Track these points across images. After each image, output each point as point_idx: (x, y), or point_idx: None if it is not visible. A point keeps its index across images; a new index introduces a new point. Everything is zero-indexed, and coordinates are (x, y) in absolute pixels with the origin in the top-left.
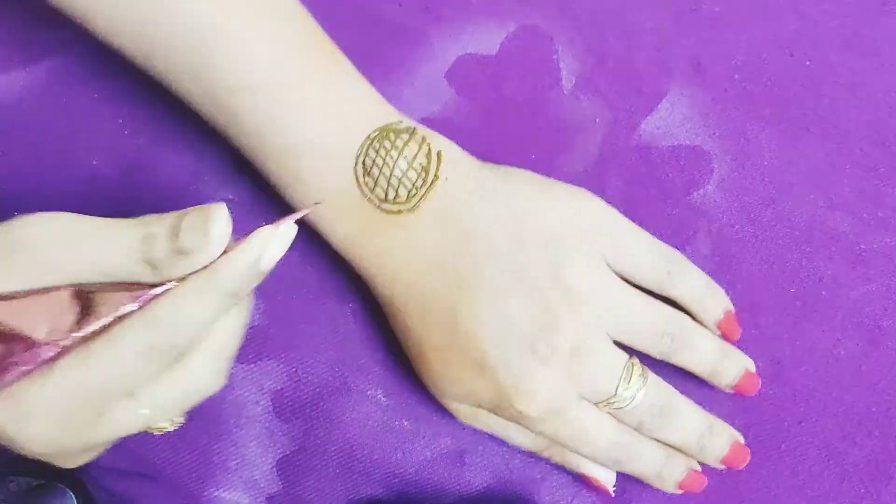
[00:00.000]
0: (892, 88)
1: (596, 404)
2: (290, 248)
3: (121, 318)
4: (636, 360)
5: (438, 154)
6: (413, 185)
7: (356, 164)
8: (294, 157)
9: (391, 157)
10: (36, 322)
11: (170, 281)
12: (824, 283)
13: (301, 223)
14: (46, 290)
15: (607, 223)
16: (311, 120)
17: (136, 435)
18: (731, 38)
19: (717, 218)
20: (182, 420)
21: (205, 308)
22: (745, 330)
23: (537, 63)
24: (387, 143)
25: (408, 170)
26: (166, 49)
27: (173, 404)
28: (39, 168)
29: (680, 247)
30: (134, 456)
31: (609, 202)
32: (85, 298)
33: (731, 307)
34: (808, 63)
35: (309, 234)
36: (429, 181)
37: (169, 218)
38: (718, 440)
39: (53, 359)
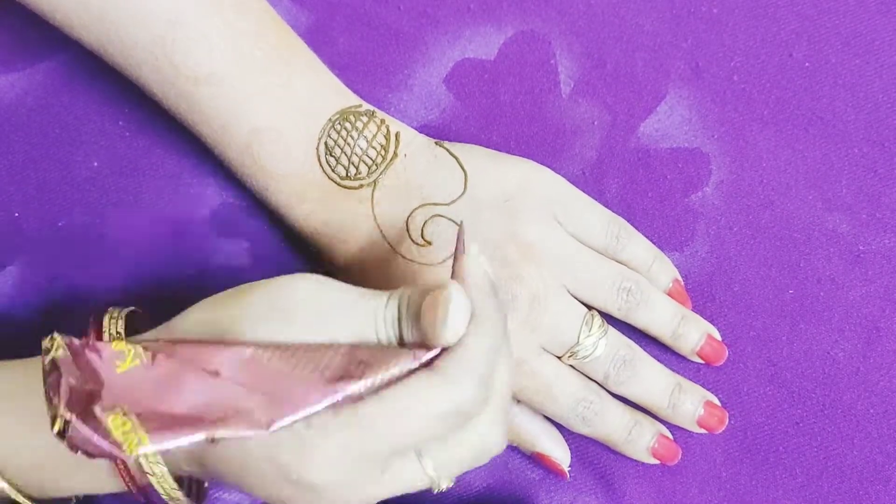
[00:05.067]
0: (891, 89)
1: (559, 358)
2: (285, 255)
3: (407, 375)
4: (595, 313)
5: (397, 135)
6: (373, 161)
7: (318, 144)
8: (256, 143)
9: (352, 138)
10: (313, 372)
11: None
12: (822, 285)
13: (264, 208)
14: (325, 344)
15: (558, 189)
16: (272, 107)
17: None
18: (729, 39)
19: (715, 220)
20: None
21: (488, 359)
22: (742, 331)
23: (536, 67)
24: (347, 125)
25: (367, 148)
26: (123, 42)
27: (459, 465)
28: (40, 169)
29: (678, 248)
30: None
31: (608, 204)
32: (358, 357)
33: (678, 276)
34: (806, 64)
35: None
36: (388, 158)
37: (414, 293)
38: (689, 397)
39: (333, 406)
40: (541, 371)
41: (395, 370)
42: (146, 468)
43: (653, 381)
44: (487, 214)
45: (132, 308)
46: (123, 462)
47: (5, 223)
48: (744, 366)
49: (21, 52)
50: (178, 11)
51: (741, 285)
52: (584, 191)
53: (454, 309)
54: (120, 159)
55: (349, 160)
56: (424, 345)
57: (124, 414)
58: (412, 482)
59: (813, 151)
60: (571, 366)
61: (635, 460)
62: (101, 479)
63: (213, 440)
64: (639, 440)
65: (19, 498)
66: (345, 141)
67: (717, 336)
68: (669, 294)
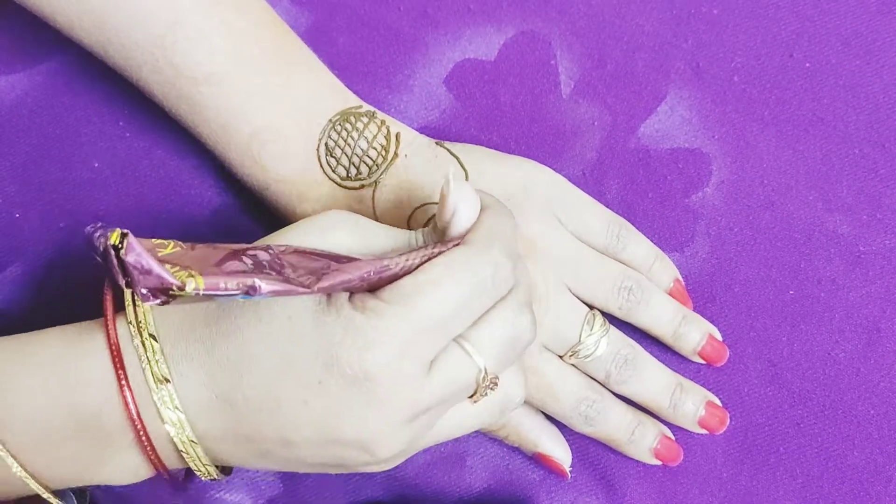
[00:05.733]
0: (892, 89)
1: (561, 357)
2: None
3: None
4: (597, 312)
5: (397, 135)
6: (374, 162)
7: (319, 145)
8: (257, 143)
9: (352, 138)
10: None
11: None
12: (823, 285)
13: (265, 208)
14: (357, 258)
15: (559, 189)
16: (273, 106)
17: None
18: (729, 40)
19: (715, 220)
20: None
21: (510, 228)
22: (743, 332)
23: (536, 68)
24: (348, 126)
25: (368, 149)
26: (123, 44)
27: (499, 344)
28: (40, 170)
29: (679, 249)
30: None
31: (608, 205)
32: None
33: (678, 275)
34: (807, 64)
35: None
36: (389, 158)
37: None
38: (691, 397)
39: (380, 275)
40: (543, 369)
41: (427, 252)
42: (181, 447)
43: (654, 380)
44: None
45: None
46: (152, 446)
47: (6, 224)
48: (744, 366)
49: (21, 53)
50: (178, 12)
51: (742, 286)
52: (584, 191)
53: (458, 196)
54: (120, 160)
55: (350, 160)
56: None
57: (176, 266)
58: (459, 372)
59: (813, 152)
60: (573, 365)
61: (636, 461)
62: (127, 464)
63: (257, 290)
64: (641, 440)
65: (32, 484)
66: (345, 142)
67: (719, 336)
68: (670, 294)
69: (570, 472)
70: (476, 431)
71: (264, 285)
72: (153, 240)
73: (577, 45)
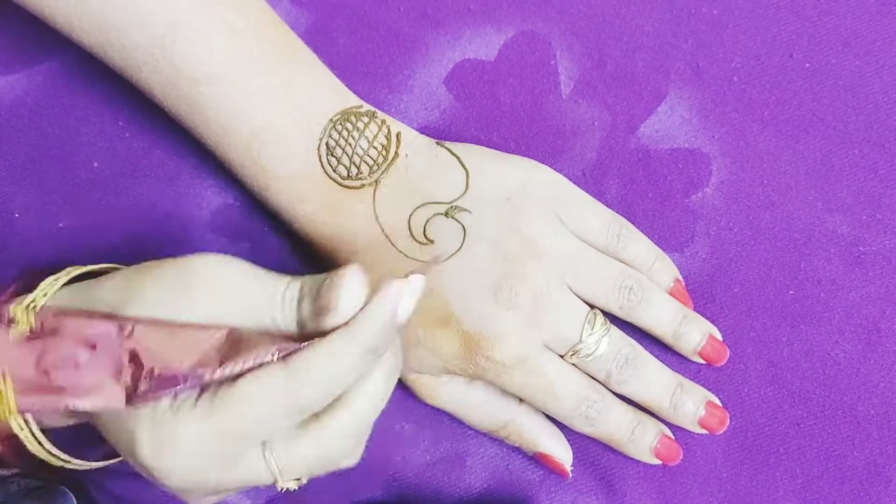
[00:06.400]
0: (892, 90)
1: (562, 357)
2: (286, 256)
3: (259, 367)
4: (598, 312)
5: (398, 135)
6: (374, 161)
7: (319, 145)
8: (257, 143)
9: (353, 138)
10: (184, 354)
11: (314, 338)
12: (823, 286)
13: (265, 209)
14: (205, 326)
15: (559, 188)
16: (272, 107)
17: None
18: (729, 40)
19: (715, 220)
20: (305, 481)
21: (342, 363)
22: (743, 332)
23: (536, 68)
24: (349, 125)
25: (369, 148)
26: (123, 44)
27: (306, 466)
28: (40, 170)
29: (678, 249)
30: None
31: (608, 205)
32: (235, 342)
33: (679, 275)
34: (807, 64)
35: (297, 241)
36: (389, 158)
37: (316, 279)
38: (691, 397)
39: (191, 389)
40: (543, 369)
41: (253, 361)
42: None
43: (655, 380)
44: (489, 212)
45: (90, 268)
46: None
47: (5, 224)
48: (744, 366)
49: (21, 53)
50: (178, 12)
51: (741, 286)
52: (584, 191)
53: (347, 280)
54: (120, 160)
55: (350, 160)
56: (307, 336)
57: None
58: (257, 475)
59: (813, 152)
60: (574, 364)
61: (636, 461)
62: None
63: (72, 409)
64: (641, 440)
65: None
66: (346, 141)
67: (719, 336)
68: (670, 294)
69: (571, 471)
70: (475, 432)
71: (79, 404)
72: (13, 308)
73: (577, 46)
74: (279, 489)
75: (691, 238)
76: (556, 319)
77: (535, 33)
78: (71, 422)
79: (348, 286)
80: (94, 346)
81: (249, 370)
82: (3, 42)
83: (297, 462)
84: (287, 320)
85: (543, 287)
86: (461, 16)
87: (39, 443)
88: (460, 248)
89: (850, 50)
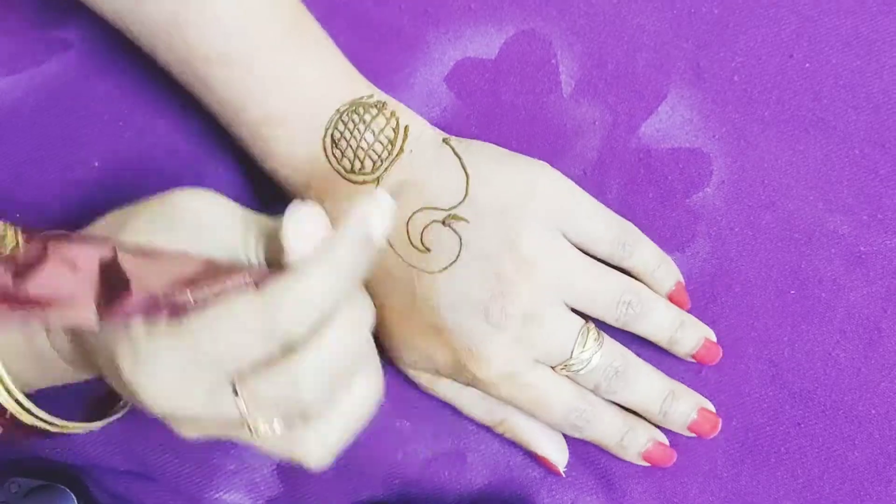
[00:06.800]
0: (893, 90)
1: (553, 368)
2: None
3: (237, 292)
4: (592, 325)
5: (406, 129)
6: (378, 156)
7: (325, 135)
8: (266, 128)
9: (359, 131)
10: (161, 278)
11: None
12: (824, 285)
13: (264, 209)
14: (184, 254)
15: (565, 196)
16: (283, 92)
17: (139, 436)
18: (730, 40)
19: (716, 220)
20: (278, 429)
21: (315, 286)
22: (744, 332)
23: (537, 67)
24: (355, 117)
25: (374, 142)
26: (140, 20)
27: (274, 403)
28: (40, 170)
29: (679, 249)
30: (135, 458)
31: (609, 205)
32: (212, 272)
33: (681, 278)
34: (807, 65)
35: None
36: (394, 154)
37: (277, 219)
38: (682, 404)
39: (171, 313)
40: (534, 383)
41: (226, 286)
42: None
43: (645, 389)
44: (487, 223)
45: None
46: None
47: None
48: (745, 366)
49: (21, 54)
50: None
51: (742, 286)
52: (585, 191)
53: (297, 227)
54: (120, 161)
55: (355, 154)
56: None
57: None
58: (229, 413)
59: (814, 152)
60: (565, 375)
61: None
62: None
63: (46, 324)
64: (632, 445)
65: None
66: (351, 134)
67: (714, 338)
68: (671, 296)
69: (566, 471)
70: (477, 427)
71: (52, 318)
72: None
73: (578, 45)
74: (250, 431)
75: (692, 238)
76: (546, 338)
77: (536, 32)
78: (64, 376)
79: (295, 221)
80: (74, 266)
81: (223, 294)
82: (3, 42)
83: (264, 398)
84: (258, 257)
85: (536, 307)
86: (462, 14)
87: (26, 409)
88: (455, 260)
89: (851, 50)
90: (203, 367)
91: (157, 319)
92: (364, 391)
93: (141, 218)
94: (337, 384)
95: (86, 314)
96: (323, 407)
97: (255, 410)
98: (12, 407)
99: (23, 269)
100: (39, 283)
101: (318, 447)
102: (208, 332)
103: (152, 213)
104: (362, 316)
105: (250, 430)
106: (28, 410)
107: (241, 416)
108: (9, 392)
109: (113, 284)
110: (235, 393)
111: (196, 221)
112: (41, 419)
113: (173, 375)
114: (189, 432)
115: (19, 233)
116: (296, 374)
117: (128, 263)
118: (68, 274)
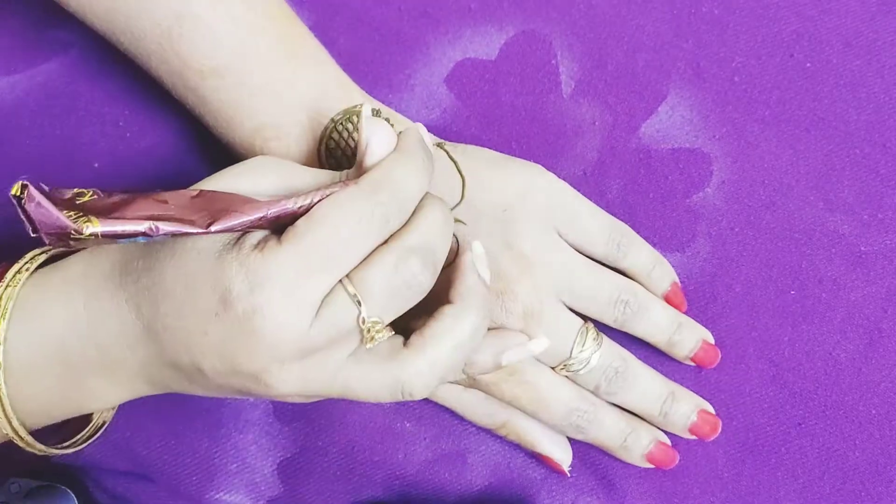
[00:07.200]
0: (893, 89)
1: (553, 368)
2: None
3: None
4: (591, 325)
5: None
6: None
7: (320, 146)
8: (260, 140)
9: (353, 139)
10: (254, 204)
11: None
12: (824, 285)
13: None
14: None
15: (560, 198)
16: (277, 103)
17: (140, 437)
18: (730, 40)
19: (716, 220)
20: (385, 331)
21: (407, 165)
22: (744, 332)
23: (537, 67)
24: (350, 126)
25: None
26: (133, 32)
27: (386, 290)
28: (41, 171)
29: (680, 249)
30: (135, 458)
31: (609, 205)
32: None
33: (677, 279)
34: (807, 65)
35: None
36: None
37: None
38: (682, 406)
39: (278, 215)
40: (534, 382)
41: (324, 192)
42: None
43: (644, 391)
44: (484, 224)
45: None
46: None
47: (6, 224)
48: (746, 366)
49: (22, 54)
50: (186, 4)
51: (743, 286)
52: (585, 192)
53: (370, 132)
54: (120, 161)
55: (349, 162)
56: None
57: (79, 212)
58: (341, 314)
59: (814, 152)
60: (565, 376)
61: None
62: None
63: (154, 231)
64: (634, 447)
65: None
66: (346, 143)
67: (712, 340)
68: (666, 297)
69: (570, 470)
70: (478, 428)
71: (161, 226)
72: (73, 189)
73: (578, 45)
74: (363, 331)
75: (692, 238)
76: (546, 336)
77: (536, 33)
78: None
79: (373, 123)
80: (165, 202)
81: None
82: (3, 43)
83: (378, 289)
84: None
85: (535, 304)
86: (462, 15)
87: (27, 443)
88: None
89: (852, 50)
90: (316, 272)
91: (263, 236)
92: (472, 321)
93: (226, 173)
94: (439, 263)
95: (192, 226)
96: (429, 286)
97: (367, 300)
98: (12, 434)
99: (118, 204)
100: (135, 209)
101: (426, 371)
102: (320, 230)
103: (237, 169)
104: (443, 205)
105: (363, 336)
106: (23, 438)
107: (355, 320)
108: (9, 421)
109: (207, 210)
110: (348, 293)
111: (280, 169)
112: (32, 446)
113: (288, 289)
114: (298, 356)
115: (100, 193)
116: (403, 253)
117: (218, 198)
118: (160, 206)
